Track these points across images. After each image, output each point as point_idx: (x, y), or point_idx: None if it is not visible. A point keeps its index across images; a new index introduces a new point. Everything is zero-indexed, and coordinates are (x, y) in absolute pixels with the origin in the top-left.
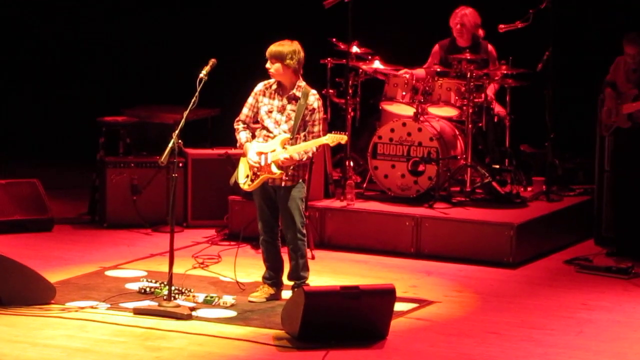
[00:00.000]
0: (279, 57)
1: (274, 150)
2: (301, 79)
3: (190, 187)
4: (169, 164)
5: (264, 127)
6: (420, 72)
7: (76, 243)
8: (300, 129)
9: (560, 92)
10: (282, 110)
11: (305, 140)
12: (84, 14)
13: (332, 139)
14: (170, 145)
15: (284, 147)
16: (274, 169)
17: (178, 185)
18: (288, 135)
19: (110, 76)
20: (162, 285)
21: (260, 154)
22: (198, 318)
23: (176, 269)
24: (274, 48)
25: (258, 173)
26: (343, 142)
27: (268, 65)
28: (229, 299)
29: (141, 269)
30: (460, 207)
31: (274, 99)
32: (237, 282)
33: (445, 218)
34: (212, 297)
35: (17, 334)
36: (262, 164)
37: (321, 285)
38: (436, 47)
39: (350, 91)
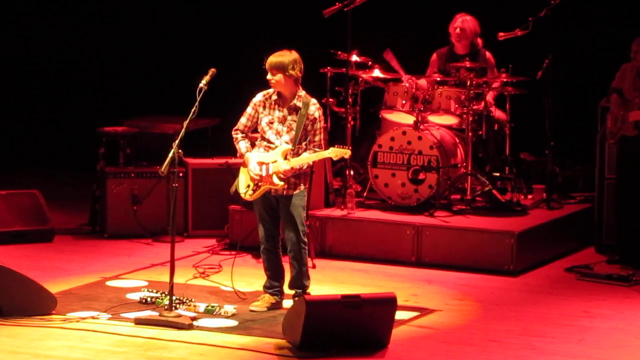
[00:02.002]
0: (281, 68)
1: (275, 161)
2: (301, 88)
3: (191, 197)
4: (169, 174)
5: (265, 139)
6: (422, 82)
7: (77, 253)
8: (301, 139)
9: (559, 100)
10: (283, 121)
11: (306, 149)
12: (84, 24)
13: (336, 152)
14: (170, 155)
15: (285, 159)
16: (275, 180)
17: (178, 195)
18: (290, 147)
19: (109, 87)
20: (163, 295)
21: (261, 164)
22: (199, 328)
23: (177, 279)
24: (274, 59)
25: (259, 184)
26: (346, 156)
27: (269, 76)
28: (230, 308)
29: (142, 279)
30: (460, 215)
31: (274, 109)
32: (236, 291)
33: (446, 226)
34: (213, 306)
35: (18, 345)
36: (264, 174)
37: (322, 294)
38: (434, 56)
39: (350, 100)
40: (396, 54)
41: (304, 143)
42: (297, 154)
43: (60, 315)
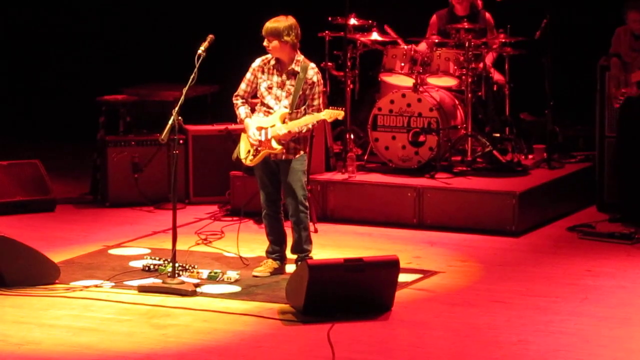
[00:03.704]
0: (276, 34)
1: (273, 125)
2: (299, 53)
3: (192, 164)
4: (169, 142)
5: (264, 104)
6: (422, 46)
7: (79, 223)
8: (300, 104)
9: (558, 59)
10: (282, 86)
11: (305, 113)
12: None
13: (330, 114)
14: (170, 122)
15: (283, 122)
16: (274, 144)
17: (179, 162)
18: (287, 110)
19: (109, 55)
20: (166, 262)
21: (260, 128)
22: (203, 294)
23: (179, 246)
24: (269, 25)
25: (259, 148)
26: (340, 117)
27: (266, 43)
28: (233, 274)
29: (144, 247)
30: (461, 176)
31: (273, 74)
32: (241, 257)
33: (447, 188)
34: (216, 272)
35: (22, 315)
36: (263, 139)
37: (325, 259)
38: (434, 18)
39: (348, 64)
40: (395, 16)
41: (302, 107)
42: (296, 118)
43: (63, 284)
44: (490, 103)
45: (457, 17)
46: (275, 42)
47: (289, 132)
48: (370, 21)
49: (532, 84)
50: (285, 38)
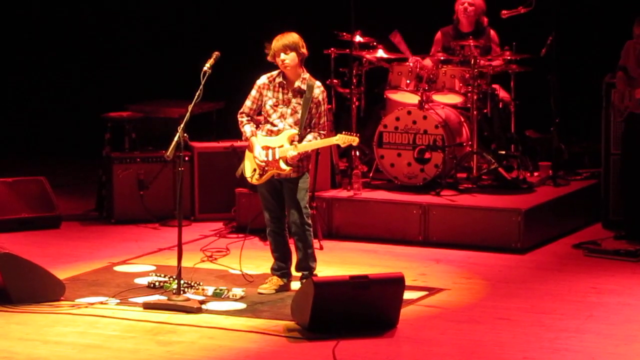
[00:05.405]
0: (294, 47)
1: (281, 146)
2: (305, 70)
3: (197, 181)
4: (175, 158)
5: (268, 122)
6: (427, 63)
7: (84, 239)
8: (307, 124)
9: (564, 76)
10: (287, 103)
11: (310, 132)
12: (87, 9)
13: (343, 140)
14: (175, 139)
15: (292, 144)
16: (282, 165)
17: (185, 179)
18: (296, 131)
19: (114, 72)
20: (171, 279)
21: (266, 148)
22: (208, 311)
23: (185, 263)
24: (285, 40)
25: (266, 168)
26: (354, 144)
27: (283, 56)
28: (238, 291)
29: (150, 264)
30: (467, 194)
31: (278, 92)
32: (244, 274)
33: (453, 205)
34: (221, 289)
35: (28, 332)
36: (270, 159)
37: (330, 276)
38: (439, 34)
39: (354, 81)
40: (399, 32)
41: (309, 128)
42: (302, 137)
43: (68, 301)
44: (495, 120)
45: (462, 34)
46: (292, 54)
47: (299, 154)
48: (375, 42)
49: (538, 101)
50: (302, 50)
